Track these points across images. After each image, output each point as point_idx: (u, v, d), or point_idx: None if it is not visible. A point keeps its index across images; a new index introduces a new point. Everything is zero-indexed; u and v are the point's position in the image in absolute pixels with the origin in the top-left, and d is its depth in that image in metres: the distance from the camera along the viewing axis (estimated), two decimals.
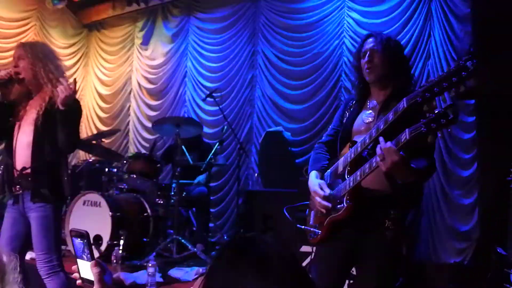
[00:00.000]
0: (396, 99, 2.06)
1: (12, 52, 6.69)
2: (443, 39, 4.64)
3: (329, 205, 2.11)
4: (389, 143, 1.81)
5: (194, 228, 5.26)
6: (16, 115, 2.75)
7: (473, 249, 4.29)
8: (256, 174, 5.77)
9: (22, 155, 2.70)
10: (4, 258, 1.17)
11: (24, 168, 2.68)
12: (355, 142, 2.13)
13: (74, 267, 1.35)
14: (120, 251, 3.92)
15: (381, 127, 1.93)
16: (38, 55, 2.75)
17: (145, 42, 7.36)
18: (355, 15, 5.34)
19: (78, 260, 1.33)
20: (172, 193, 4.71)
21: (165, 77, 7.05)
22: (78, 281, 1.34)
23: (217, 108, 5.36)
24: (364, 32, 5.15)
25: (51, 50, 2.90)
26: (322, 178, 2.27)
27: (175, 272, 3.83)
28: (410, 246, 4.43)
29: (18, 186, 2.72)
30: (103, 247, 4.18)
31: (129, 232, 4.27)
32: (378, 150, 1.84)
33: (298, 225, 2.95)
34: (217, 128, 6.10)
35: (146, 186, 4.86)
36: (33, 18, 7.31)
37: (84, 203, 4.39)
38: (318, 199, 2.16)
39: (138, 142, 7.23)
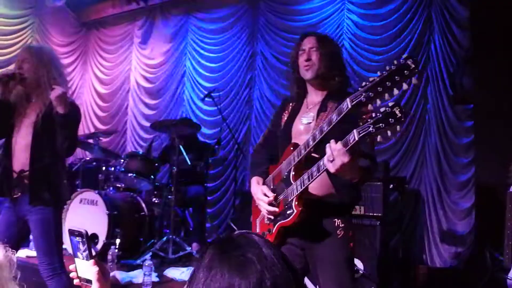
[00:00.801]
0: (334, 99, 2.10)
1: (10, 49, 6.70)
2: (443, 43, 4.65)
3: (276, 209, 2.09)
4: (339, 144, 1.78)
5: (191, 228, 5.25)
6: (16, 117, 2.74)
7: (469, 253, 4.30)
8: None
9: (20, 157, 2.68)
10: (0, 254, 1.16)
11: (22, 171, 2.67)
12: (297, 144, 2.10)
13: (71, 267, 1.34)
14: (116, 250, 3.91)
15: (325, 128, 1.90)
16: (43, 60, 2.75)
17: (144, 41, 7.35)
18: (354, 18, 5.35)
19: (76, 260, 1.32)
20: (169, 192, 4.70)
21: (163, 77, 7.04)
22: (76, 281, 1.33)
23: (216, 108, 5.35)
24: (364, 35, 5.20)
25: (56, 56, 2.91)
26: (264, 183, 2.24)
27: (171, 272, 3.82)
28: (406, 250, 4.43)
29: (16, 189, 2.69)
30: (99, 246, 4.16)
31: (125, 231, 4.26)
32: (328, 151, 1.81)
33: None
34: (215, 129, 6.09)
35: (143, 185, 4.86)
36: (32, 15, 7.29)
37: (80, 201, 4.38)
38: (263, 204, 2.13)
39: (135, 141, 7.21)
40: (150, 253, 4.06)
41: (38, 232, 2.64)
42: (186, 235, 5.18)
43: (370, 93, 1.74)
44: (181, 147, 4.74)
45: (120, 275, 3.61)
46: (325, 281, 2.06)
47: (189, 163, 4.87)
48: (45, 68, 2.72)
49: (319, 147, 1.94)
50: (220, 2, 6.54)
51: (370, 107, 1.73)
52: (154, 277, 3.58)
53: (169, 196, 4.68)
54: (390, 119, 1.65)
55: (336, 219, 2.08)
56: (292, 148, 2.11)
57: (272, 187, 2.19)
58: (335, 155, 1.77)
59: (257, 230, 2.26)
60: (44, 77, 2.70)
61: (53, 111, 2.60)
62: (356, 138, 1.73)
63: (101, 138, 5.94)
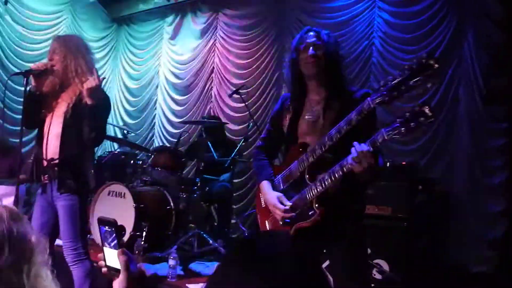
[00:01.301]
0: (337, 97, 2.09)
1: (44, 44, 6.86)
2: (477, 42, 4.53)
3: (294, 215, 2.06)
4: (365, 146, 1.78)
5: (216, 223, 5.27)
6: (49, 107, 2.82)
7: (500, 258, 4.19)
8: None
9: (52, 146, 2.76)
10: (33, 239, 1.18)
11: (52, 159, 2.75)
12: (305, 143, 2.08)
13: (100, 255, 1.35)
14: (142, 243, 3.95)
15: (344, 128, 1.89)
16: (71, 49, 2.80)
17: (173, 37, 7.42)
18: (385, 15, 5.26)
19: (104, 249, 1.34)
20: (195, 187, 4.73)
21: (192, 73, 7.08)
22: (104, 269, 1.34)
23: (243, 105, 5.35)
24: (394, 33, 5.12)
25: (84, 44, 2.94)
26: (273, 186, 2.20)
27: (195, 266, 3.84)
28: (434, 253, 4.35)
29: (46, 176, 2.78)
30: (125, 238, 4.22)
31: (152, 224, 4.30)
32: (353, 152, 1.80)
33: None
34: (243, 125, 6.09)
35: (170, 180, 4.89)
36: (66, 11, 7.44)
37: (109, 193, 4.44)
38: (279, 213, 2.10)
39: (163, 136, 7.29)
40: (176, 247, 4.09)
41: (64, 217, 2.73)
42: (211, 230, 5.20)
43: (394, 92, 1.74)
44: (208, 143, 4.76)
45: (145, 267, 3.65)
46: (338, 282, 2.04)
47: (216, 159, 4.89)
48: (72, 55, 2.78)
49: (332, 147, 1.95)
50: None
51: (391, 106, 1.76)
52: (179, 271, 3.60)
53: (196, 191, 4.71)
54: (421, 118, 1.65)
55: (351, 219, 2.08)
56: (300, 149, 2.09)
57: (282, 188, 2.17)
58: (362, 156, 1.78)
59: (266, 227, 2.25)
60: (71, 65, 2.76)
61: (82, 101, 2.67)
62: (386, 138, 1.73)
63: (129, 132, 6.03)
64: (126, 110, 7.91)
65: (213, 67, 6.85)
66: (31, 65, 2.76)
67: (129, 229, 4.22)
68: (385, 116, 3.93)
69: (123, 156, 5.53)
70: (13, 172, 4.87)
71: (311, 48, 2.11)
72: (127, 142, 5.30)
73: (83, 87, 2.64)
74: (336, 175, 1.92)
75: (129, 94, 7.95)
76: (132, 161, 5.05)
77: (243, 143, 5.11)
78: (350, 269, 2.04)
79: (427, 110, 1.65)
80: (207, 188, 4.88)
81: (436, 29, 4.83)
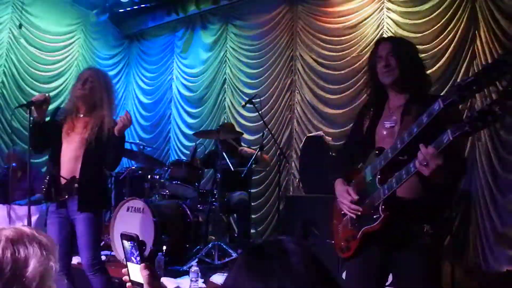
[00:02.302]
0: (417, 102, 2.05)
1: (57, 65, 7.00)
2: (489, 38, 4.47)
3: (359, 208, 2.04)
4: (431, 148, 1.73)
5: (236, 234, 5.26)
6: (64, 131, 3.06)
7: None
8: (297, 180, 5.72)
9: (69, 167, 2.99)
10: (32, 263, 1.15)
11: (73, 178, 2.97)
12: (382, 148, 2.06)
13: (124, 270, 1.36)
14: (163, 257, 3.96)
15: (414, 130, 1.85)
16: (105, 82, 3.15)
17: (184, 50, 7.48)
18: (394, 16, 5.24)
19: (128, 264, 1.34)
20: (213, 199, 4.73)
21: (204, 85, 7.13)
22: (128, 284, 1.35)
23: (257, 114, 5.35)
24: (405, 34, 5.08)
25: (112, 82, 3.32)
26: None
27: (217, 278, 3.83)
28: (457, 253, 4.27)
29: (64, 192, 2.95)
30: (146, 252, 4.23)
31: (172, 237, 4.31)
32: (419, 155, 1.76)
33: (327, 240, 2.85)
34: (258, 134, 6.09)
35: (188, 193, 4.91)
36: (78, 31, 7.57)
37: (128, 209, 4.47)
38: (346, 203, 2.10)
39: (178, 149, 7.33)
40: (196, 259, 4.09)
41: (83, 228, 2.91)
42: (231, 241, 5.19)
43: (465, 92, 1.69)
44: (224, 153, 4.77)
45: (167, 281, 3.65)
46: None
47: (232, 169, 4.89)
48: (105, 88, 3.10)
49: (405, 150, 1.91)
50: (258, 8, 6.57)
51: (462, 107, 1.68)
52: (201, 283, 3.59)
53: (214, 203, 4.71)
54: (488, 117, 1.61)
55: (424, 225, 1.99)
56: (377, 152, 2.07)
57: (356, 191, 2.14)
58: (428, 158, 1.73)
59: (339, 236, 2.22)
60: (104, 97, 3.08)
61: (104, 130, 2.98)
62: (451, 138, 1.68)
63: (145, 147, 6.07)
64: (141, 125, 7.98)
65: (225, 78, 6.88)
66: (32, 98, 3.03)
67: (149, 243, 4.24)
68: None
69: (140, 172, 5.57)
70: (33, 192, 4.98)
71: (384, 59, 2.14)
72: (144, 155, 5.33)
73: (109, 118, 3.01)
74: (402, 178, 1.89)
75: (143, 109, 8.02)
76: (149, 176, 5.07)
77: (259, 153, 5.10)
78: (413, 279, 1.99)
79: (496, 109, 1.60)
80: (226, 199, 4.88)
81: (447, 26, 4.79)
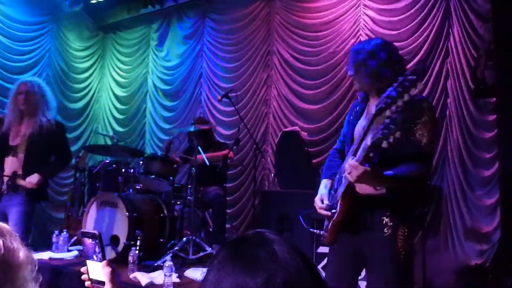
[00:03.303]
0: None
1: (29, 55, 6.84)
2: (462, 36, 4.56)
3: (328, 213, 2.22)
4: (352, 160, 1.94)
5: (211, 229, 5.24)
6: (10, 138, 3.61)
7: (494, 250, 4.20)
8: (272, 175, 5.74)
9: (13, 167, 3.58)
10: (21, 254, 1.16)
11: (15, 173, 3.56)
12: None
13: (83, 269, 1.34)
14: (137, 252, 3.91)
15: (362, 134, 1.99)
16: (40, 91, 3.64)
17: (160, 43, 7.39)
18: (371, 13, 5.29)
19: (88, 262, 1.33)
20: (188, 193, 4.70)
21: (180, 78, 7.06)
22: (88, 283, 1.33)
23: (233, 108, 5.34)
24: (381, 31, 5.14)
25: (45, 89, 3.75)
26: (332, 185, 2.34)
27: (191, 273, 3.81)
28: (431, 249, 4.35)
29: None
30: (120, 248, 4.18)
31: (146, 232, 4.27)
32: (345, 165, 1.98)
33: (310, 229, 3.04)
34: (233, 129, 6.08)
35: (162, 187, 4.86)
36: (50, 21, 7.38)
37: (101, 204, 4.41)
38: (317, 209, 2.28)
39: (154, 143, 7.26)
40: (171, 254, 4.06)
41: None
42: (206, 235, 5.17)
43: (388, 100, 1.79)
44: (199, 148, 4.74)
45: (141, 276, 3.62)
46: (370, 281, 2.13)
47: (208, 164, 4.86)
48: (40, 98, 3.62)
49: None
50: (235, 2, 6.54)
51: (388, 112, 1.79)
52: (175, 278, 3.57)
53: (189, 197, 4.68)
54: (393, 126, 1.76)
55: (384, 218, 2.11)
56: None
57: (335, 187, 2.30)
58: (349, 169, 1.94)
59: (325, 225, 2.37)
60: (39, 106, 3.59)
61: (43, 131, 3.55)
62: (368, 143, 1.84)
63: (120, 140, 5.99)
64: (115, 118, 7.87)
65: (202, 72, 6.84)
66: None
67: (123, 238, 4.19)
68: None
69: (114, 165, 5.49)
70: None
71: (350, 69, 2.25)
72: (118, 148, 5.24)
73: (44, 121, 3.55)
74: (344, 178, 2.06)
75: (118, 102, 7.91)
76: (123, 170, 5.00)
77: (235, 147, 5.09)
78: (375, 270, 2.13)
79: (420, 70, 1.75)
80: (201, 194, 4.85)
81: (422, 24, 4.86)
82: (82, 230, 1.33)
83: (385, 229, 2.09)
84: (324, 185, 2.36)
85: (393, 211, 2.11)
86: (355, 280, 2.30)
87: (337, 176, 2.29)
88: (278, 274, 0.80)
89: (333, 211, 2.18)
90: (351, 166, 1.93)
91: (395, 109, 1.76)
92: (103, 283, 1.28)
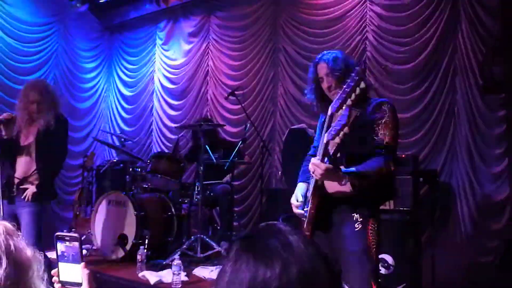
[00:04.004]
0: (356, 106, 2.30)
1: (36, 56, 6.86)
2: (471, 32, 4.51)
3: (302, 212, 2.36)
4: (314, 159, 2.09)
5: (218, 227, 5.25)
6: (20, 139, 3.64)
7: (504, 247, 4.17)
8: (279, 172, 5.73)
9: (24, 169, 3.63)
10: (28, 253, 1.16)
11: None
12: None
13: (54, 271, 1.36)
14: (145, 250, 3.93)
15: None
16: (46, 93, 3.64)
17: (166, 42, 7.40)
18: (377, 9, 5.24)
19: (60, 264, 1.35)
20: (196, 192, 4.71)
21: (186, 77, 7.06)
22: (58, 285, 1.35)
23: (240, 106, 5.33)
24: (388, 26, 5.10)
25: (49, 89, 3.77)
26: (308, 188, 2.45)
27: (200, 271, 3.82)
28: (441, 246, 4.32)
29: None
30: (128, 246, 4.20)
31: (154, 231, 4.29)
32: (310, 165, 2.12)
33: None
34: (240, 127, 6.07)
35: (170, 185, 4.87)
36: (57, 22, 7.41)
37: (109, 203, 4.43)
38: (294, 209, 2.42)
39: (161, 142, 7.26)
40: (179, 253, 4.07)
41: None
42: (214, 234, 5.18)
43: (339, 101, 2.01)
44: (206, 146, 4.74)
45: (149, 275, 3.63)
46: (344, 273, 2.20)
47: (215, 162, 4.87)
48: (46, 99, 3.61)
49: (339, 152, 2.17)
50: (240, 0, 6.52)
51: (340, 112, 1.99)
52: (183, 277, 3.58)
53: (196, 196, 4.69)
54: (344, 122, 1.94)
55: (354, 214, 2.26)
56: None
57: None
58: (312, 168, 2.09)
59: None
60: (44, 107, 3.58)
61: (50, 129, 3.56)
62: (324, 141, 2.03)
63: (127, 140, 6.01)
64: (122, 118, 7.89)
65: (208, 70, 6.83)
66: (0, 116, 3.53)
67: (131, 237, 4.21)
68: None
69: (121, 165, 5.51)
70: None
71: (325, 80, 2.39)
72: (123, 150, 5.27)
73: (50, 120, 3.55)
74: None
75: (125, 102, 7.92)
76: (131, 169, 5.02)
77: (241, 145, 5.09)
78: (348, 262, 2.24)
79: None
80: (208, 192, 4.86)
81: (429, 20, 4.81)
82: (58, 233, 1.35)
83: (355, 224, 2.24)
84: (299, 188, 2.50)
85: (361, 206, 2.26)
86: None
87: (310, 178, 2.41)
88: (293, 263, 0.82)
89: (305, 209, 2.33)
90: (314, 164, 2.07)
91: (351, 102, 1.96)
92: (79, 284, 1.30)
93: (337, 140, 1.95)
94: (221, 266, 0.90)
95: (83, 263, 1.32)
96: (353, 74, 1.98)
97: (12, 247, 1.14)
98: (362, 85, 1.96)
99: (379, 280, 2.36)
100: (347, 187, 2.17)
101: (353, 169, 2.15)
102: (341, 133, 1.93)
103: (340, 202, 2.27)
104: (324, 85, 2.41)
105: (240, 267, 0.83)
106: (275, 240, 0.86)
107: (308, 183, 2.46)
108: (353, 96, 1.96)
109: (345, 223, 2.27)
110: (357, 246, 2.23)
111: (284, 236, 0.87)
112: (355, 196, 2.21)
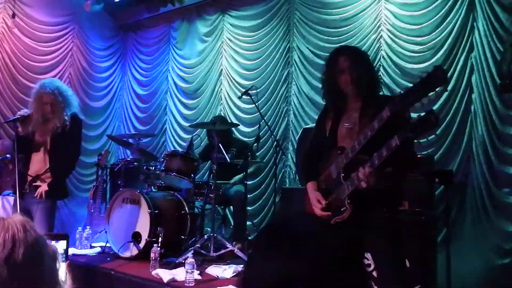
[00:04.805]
0: (371, 104, 2.39)
1: (52, 55, 6.93)
2: (487, 30, 4.45)
3: (328, 214, 2.38)
4: (367, 168, 2.16)
5: (231, 226, 5.24)
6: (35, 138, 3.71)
7: None
8: (293, 172, 5.71)
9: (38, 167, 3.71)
10: (47, 246, 1.17)
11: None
12: (343, 147, 2.39)
13: None
14: (158, 248, 3.94)
15: (368, 134, 2.22)
16: (59, 94, 3.69)
17: (180, 41, 7.42)
18: (392, 8, 5.19)
19: None
20: (209, 191, 4.71)
21: (200, 76, 7.08)
22: None
23: (253, 106, 5.33)
24: (403, 25, 5.05)
25: (62, 89, 3.80)
26: (318, 186, 2.52)
27: (213, 270, 3.82)
28: (456, 247, 4.27)
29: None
30: (141, 244, 4.22)
31: (167, 229, 4.30)
32: (359, 174, 2.18)
33: None
34: (254, 126, 6.07)
35: (183, 184, 4.88)
36: (72, 21, 7.48)
37: (123, 201, 4.46)
38: (317, 211, 2.42)
39: (175, 141, 7.29)
40: (192, 251, 4.07)
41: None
42: (227, 232, 5.18)
43: (407, 102, 2.09)
44: (220, 145, 4.74)
45: (163, 272, 3.64)
46: (380, 269, 2.37)
47: (229, 161, 4.87)
48: (60, 100, 3.67)
49: (364, 149, 2.27)
50: None
51: (407, 113, 2.10)
52: (196, 275, 3.58)
53: (210, 194, 4.69)
54: (426, 125, 1.99)
55: (383, 209, 2.34)
56: (339, 152, 2.39)
57: (324, 187, 2.49)
58: (365, 177, 2.15)
59: None
60: (58, 107, 3.66)
61: (65, 128, 3.65)
62: (398, 143, 2.05)
63: (141, 139, 6.04)
64: (137, 117, 7.93)
65: (221, 70, 6.84)
66: (17, 114, 3.61)
67: (144, 235, 4.23)
68: None
69: (135, 163, 5.54)
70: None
71: (347, 72, 2.43)
72: (137, 149, 5.30)
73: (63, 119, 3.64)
74: (357, 180, 2.24)
75: (139, 101, 7.97)
76: (144, 167, 5.04)
77: (255, 144, 5.08)
78: (379, 259, 2.37)
79: (432, 118, 1.97)
80: (222, 191, 4.86)
81: (445, 18, 4.76)
82: (46, 233, 1.37)
83: (386, 221, 2.34)
84: (312, 186, 2.54)
85: (389, 204, 2.36)
86: None
87: (322, 177, 2.50)
88: (316, 249, 0.83)
89: (342, 209, 2.34)
90: (367, 175, 2.15)
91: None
92: (63, 282, 1.33)
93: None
94: (249, 253, 0.94)
95: (67, 262, 1.34)
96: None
97: (29, 240, 1.15)
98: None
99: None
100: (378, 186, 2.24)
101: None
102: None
103: (370, 201, 2.31)
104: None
105: (269, 258, 0.84)
106: (298, 229, 0.88)
107: (317, 180, 2.53)
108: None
109: (375, 221, 2.32)
110: (388, 244, 2.31)
111: (307, 223, 0.91)
112: (384, 193, 2.29)
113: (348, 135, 2.44)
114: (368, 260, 3.29)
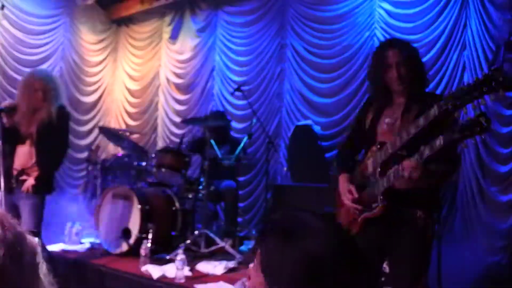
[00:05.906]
0: (416, 100, 2.29)
1: (43, 48, 6.85)
2: (480, 28, 4.46)
3: (359, 207, 2.31)
4: (413, 161, 2.04)
5: (223, 223, 5.22)
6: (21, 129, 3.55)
7: (511, 248, 4.13)
8: (285, 169, 5.70)
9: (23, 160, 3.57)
10: (28, 242, 1.14)
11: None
12: (383, 143, 2.28)
13: None
14: (149, 244, 3.91)
15: (412, 131, 2.11)
16: (51, 83, 3.58)
17: (173, 36, 7.37)
18: (386, 6, 5.20)
19: None
20: (201, 187, 4.69)
21: (193, 72, 7.04)
22: None
23: (246, 102, 5.30)
24: (396, 23, 5.06)
25: (54, 79, 3.72)
26: (351, 179, 2.43)
27: (203, 266, 3.80)
28: (446, 245, 4.28)
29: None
30: (132, 240, 4.19)
31: (158, 225, 4.26)
32: (405, 165, 2.07)
33: None
34: (246, 123, 6.05)
35: (175, 180, 4.85)
36: (63, 14, 7.40)
37: (113, 196, 4.42)
38: (347, 202, 2.35)
39: (166, 136, 7.26)
40: (183, 247, 4.04)
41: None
42: (218, 229, 5.16)
43: (458, 102, 1.95)
44: (212, 141, 4.71)
45: (153, 269, 3.61)
46: (398, 268, 2.26)
47: (220, 157, 4.84)
48: (50, 90, 3.54)
49: (404, 146, 2.17)
50: None
51: (456, 114, 1.98)
52: (187, 271, 3.56)
53: (201, 191, 4.67)
54: (476, 128, 1.86)
55: (418, 211, 2.21)
56: (379, 146, 2.30)
57: (358, 181, 2.40)
58: (410, 170, 2.04)
59: (342, 219, 2.47)
60: (47, 97, 3.52)
61: (51, 120, 3.50)
62: (442, 144, 1.94)
63: (131, 134, 6.00)
64: (128, 112, 7.88)
65: (214, 65, 6.80)
66: (1, 105, 3.52)
67: (135, 231, 4.19)
68: None
69: (126, 159, 5.50)
70: None
71: (396, 68, 2.30)
72: (128, 144, 5.25)
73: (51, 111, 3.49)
74: (397, 175, 2.14)
75: (130, 96, 7.91)
76: (135, 163, 5.00)
77: (247, 141, 5.06)
78: (405, 259, 2.24)
79: (483, 121, 1.84)
80: (213, 187, 4.83)
81: (439, 17, 4.77)
82: (33, 228, 1.35)
83: (418, 221, 2.20)
84: (345, 178, 2.44)
85: (423, 203, 2.22)
86: (379, 272, 2.43)
87: (357, 171, 2.41)
88: (321, 246, 0.87)
89: (374, 205, 2.25)
90: (413, 167, 2.03)
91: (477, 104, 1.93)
92: None
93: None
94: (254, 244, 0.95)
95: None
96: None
97: (12, 237, 1.12)
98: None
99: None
100: (415, 184, 2.17)
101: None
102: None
103: (404, 199, 2.23)
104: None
105: (286, 245, 0.88)
106: (303, 216, 0.93)
107: (350, 173, 2.46)
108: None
109: (406, 220, 2.22)
110: (417, 244, 2.22)
111: (306, 212, 0.95)
112: (420, 192, 2.20)
113: (389, 130, 2.34)
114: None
